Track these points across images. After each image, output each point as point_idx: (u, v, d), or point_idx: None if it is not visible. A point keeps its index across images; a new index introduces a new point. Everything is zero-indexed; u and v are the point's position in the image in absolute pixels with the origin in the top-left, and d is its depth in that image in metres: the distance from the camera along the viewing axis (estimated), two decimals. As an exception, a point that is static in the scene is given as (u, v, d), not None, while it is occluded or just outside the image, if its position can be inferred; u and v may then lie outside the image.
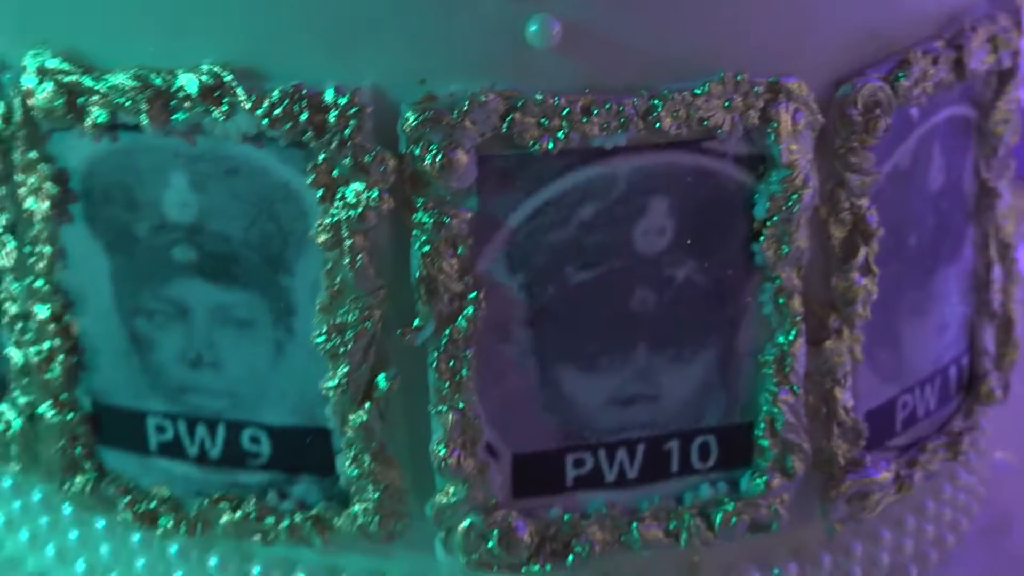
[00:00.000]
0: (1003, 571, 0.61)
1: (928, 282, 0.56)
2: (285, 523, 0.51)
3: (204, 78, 0.47)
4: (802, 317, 0.51)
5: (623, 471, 0.51)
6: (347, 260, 0.47)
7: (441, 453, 0.49)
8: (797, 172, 0.49)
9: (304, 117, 0.46)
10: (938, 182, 0.55)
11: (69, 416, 0.53)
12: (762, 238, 0.50)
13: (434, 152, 0.46)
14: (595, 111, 0.46)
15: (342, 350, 0.48)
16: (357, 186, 0.46)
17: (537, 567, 0.51)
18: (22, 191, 0.51)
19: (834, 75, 0.50)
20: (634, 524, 0.51)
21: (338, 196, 0.47)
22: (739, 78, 0.47)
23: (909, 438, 0.57)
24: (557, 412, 0.50)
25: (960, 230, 0.57)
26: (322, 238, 0.47)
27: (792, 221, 0.49)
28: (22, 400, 0.54)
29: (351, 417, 0.49)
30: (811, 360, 0.52)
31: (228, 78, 0.47)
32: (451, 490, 0.50)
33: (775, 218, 0.49)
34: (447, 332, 0.48)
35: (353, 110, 0.46)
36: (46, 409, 0.53)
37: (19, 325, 0.53)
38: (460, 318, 0.48)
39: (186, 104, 0.47)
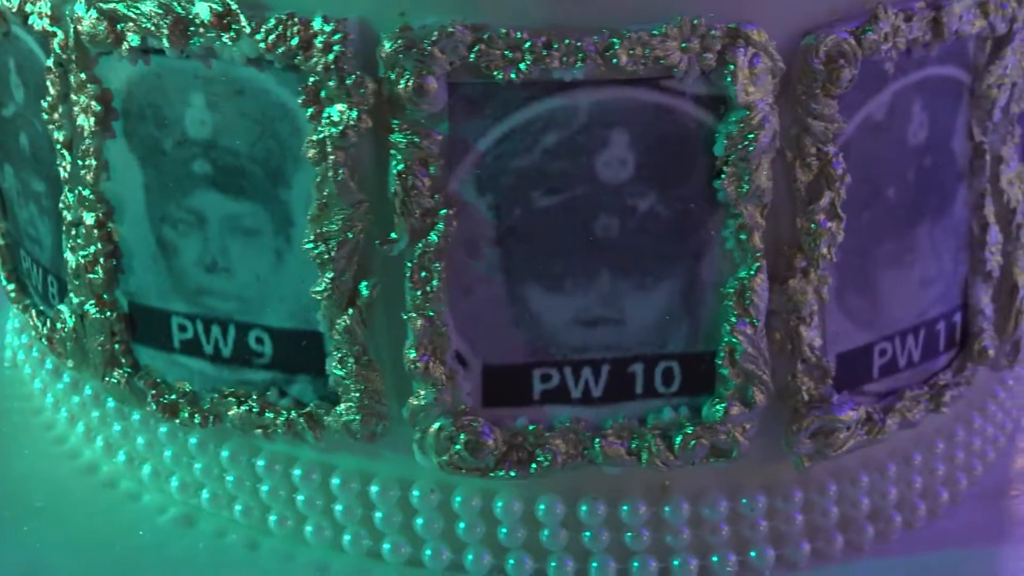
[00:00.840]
0: (997, 534, 0.63)
1: (909, 234, 0.58)
2: (283, 418, 0.57)
3: (215, 5, 0.52)
4: (763, 253, 0.54)
5: (588, 389, 0.55)
6: (331, 174, 0.52)
7: (411, 356, 0.54)
8: (754, 113, 0.52)
9: (295, 42, 0.51)
10: (919, 138, 0.57)
11: (108, 314, 0.59)
12: (723, 175, 0.53)
13: (407, 78, 0.51)
14: (555, 45, 0.50)
15: (327, 257, 0.53)
16: (340, 106, 0.52)
17: (503, 473, 0.55)
18: (75, 110, 0.58)
19: (802, 25, 0.53)
20: (597, 440, 0.55)
21: (324, 116, 0.52)
22: (695, 22, 0.51)
23: (888, 385, 0.59)
24: (524, 328, 0.54)
25: (949, 188, 0.59)
26: (310, 153, 0.52)
27: (751, 160, 0.53)
28: (75, 300, 0.61)
29: (337, 321, 0.54)
30: (776, 297, 0.55)
31: (234, 6, 0.52)
32: (422, 393, 0.54)
33: (733, 156, 0.52)
34: (420, 245, 0.53)
35: (337, 36, 0.51)
36: (91, 307, 0.60)
37: (72, 231, 0.60)
38: (432, 232, 0.53)
39: (200, 30, 0.53)
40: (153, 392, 0.59)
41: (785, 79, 0.53)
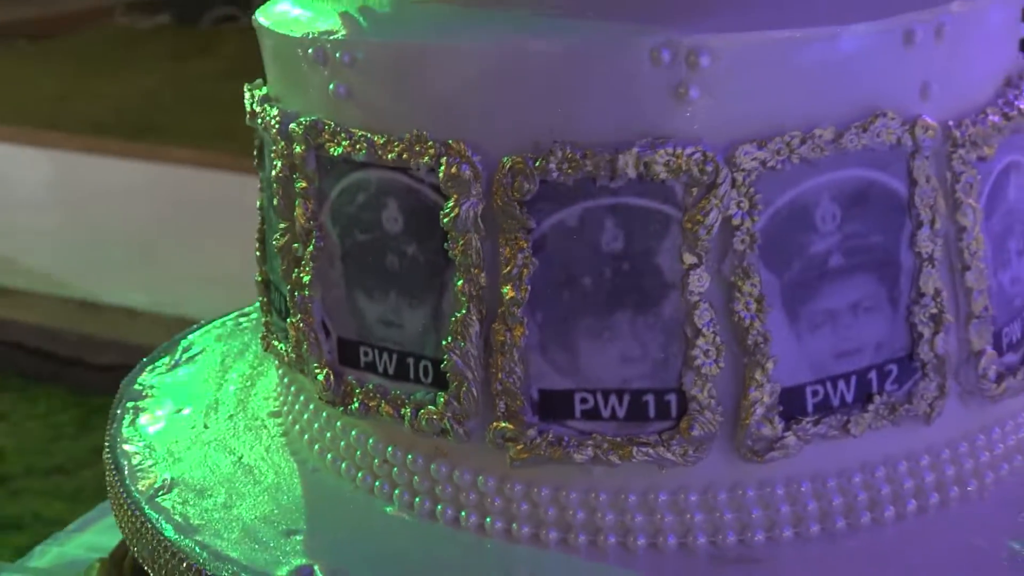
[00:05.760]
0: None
1: (606, 317, 0.77)
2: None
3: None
4: (474, 300, 0.79)
5: (386, 368, 0.84)
6: (273, 201, 0.88)
7: (295, 320, 0.87)
8: (457, 201, 0.78)
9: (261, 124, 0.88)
10: (615, 247, 0.76)
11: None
12: (447, 240, 0.79)
13: (299, 149, 0.84)
14: (355, 137, 0.81)
15: (275, 252, 0.88)
16: (277, 162, 0.87)
17: (339, 408, 0.86)
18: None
19: (504, 151, 0.77)
20: (383, 401, 0.84)
21: (269, 166, 0.87)
22: (423, 134, 0.78)
23: (592, 427, 0.79)
24: (355, 318, 0.84)
25: (654, 293, 0.76)
26: (267, 187, 0.88)
27: (458, 232, 0.78)
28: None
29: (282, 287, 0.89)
30: (489, 335, 0.79)
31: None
32: (305, 345, 0.87)
33: (449, 225, 0.79)
34: (308, 251, 0.86)
35: (276, 124, 0.86)
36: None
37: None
38: (310, 246, 0.85)
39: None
40: (267, 328, 0.98)
41: (489, 183, 0.78)
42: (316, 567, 0.80)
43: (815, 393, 0.80)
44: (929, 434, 0.83)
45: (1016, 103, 0.84)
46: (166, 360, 1.07)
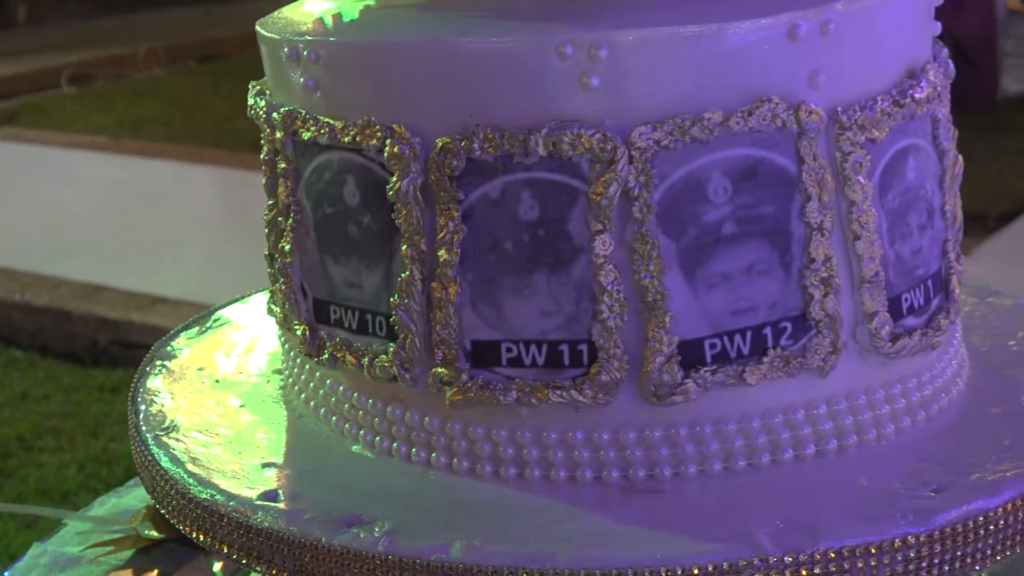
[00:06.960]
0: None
1: (526, 277, 0.89)
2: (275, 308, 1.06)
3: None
4: (414, 260, 0.91)
5: (350, 324, 0.97)
6: (263, 180, 1.01)
7: (280, 284, 1.00)
8: (399, 177, 0.91)
9: (253, 114, 1.01)
10: (531, 216, 0.88)
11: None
12: (393, 211, 0.92)
13: (279, 135, 0.98)
14: (320, 123, 0.94)
15: (267, 225, 1.02)
16: (265, 145, 1.00)
17: (313, 359, 0.99)
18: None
19: (438, 133, 0.90)
20: (347, 352, 0.96)
21: (262, 148, 1.01)
22: (371, 119, 0.91)
23: (516, 373, 0.91)
24: (325, 281, 0.98)
25: (566, 255, 0.88)
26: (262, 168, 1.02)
27: (399, 203, 0.91)
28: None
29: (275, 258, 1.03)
30: (427, 289, 0.92)
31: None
32: (286, 305, 1.00)
33: (394, 198, 0.91)
34: (289, 222, 0.99)
35: (263, 114, 1.00)
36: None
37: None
38: (289, 218, 0.99)
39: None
40: (273, 296, 1.11)
41: (426, 161, 0.90)
42: (280, 491, 0.93)
43: (713, 345, 0.90)
44: (827, 385, 0.93)
45: (911, 93, 0.94)
46: (197, 327, 1.22)
